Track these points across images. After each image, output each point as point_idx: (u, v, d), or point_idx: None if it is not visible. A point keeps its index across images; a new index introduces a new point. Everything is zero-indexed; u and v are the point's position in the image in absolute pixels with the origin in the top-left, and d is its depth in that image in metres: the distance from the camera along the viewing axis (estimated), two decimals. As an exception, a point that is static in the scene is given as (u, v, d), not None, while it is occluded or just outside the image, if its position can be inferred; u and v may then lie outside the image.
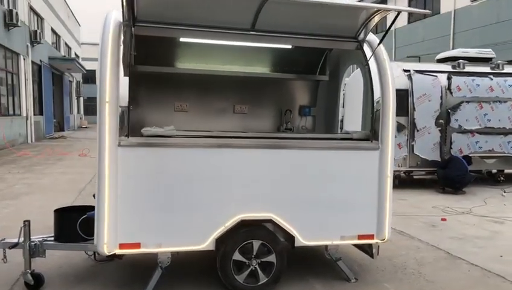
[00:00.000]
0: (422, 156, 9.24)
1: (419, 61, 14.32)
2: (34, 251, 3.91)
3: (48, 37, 27.27)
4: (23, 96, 20.49)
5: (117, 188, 3.49)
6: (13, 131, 18.39)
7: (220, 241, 3.74)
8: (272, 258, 3.88)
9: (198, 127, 5.04)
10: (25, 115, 20.55)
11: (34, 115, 21.80)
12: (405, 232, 5.92)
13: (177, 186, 3.64)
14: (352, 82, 5.60)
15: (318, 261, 4.56)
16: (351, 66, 5.27)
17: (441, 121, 9.29)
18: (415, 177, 10.43)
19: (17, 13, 18.25)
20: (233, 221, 3.74)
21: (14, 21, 17.96)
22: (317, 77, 5.28)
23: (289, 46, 4.63)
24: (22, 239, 3.90)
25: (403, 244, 5.39)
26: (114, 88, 3.43)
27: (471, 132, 9.43)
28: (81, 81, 42.38)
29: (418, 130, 9.15)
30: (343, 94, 5.40)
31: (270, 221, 3.84)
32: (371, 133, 4.06)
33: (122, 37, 3.57)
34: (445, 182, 9.07)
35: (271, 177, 3.84)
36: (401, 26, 26.99)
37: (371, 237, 4.08)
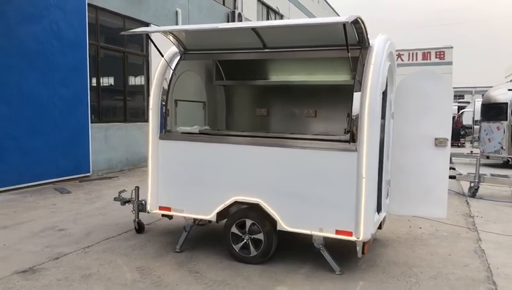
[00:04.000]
0: None
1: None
2: (140, 207, 5.94)
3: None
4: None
5: (158, 168, 5.12)
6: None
7: (219, 215, 4.86)
8: (260, 236, 4.69)
9: (275, 129, 6.14)
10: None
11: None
12: None
13: (194, 169, 4.98)
14: (402, 87, 5.32)
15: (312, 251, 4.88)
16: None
17: None
18: None
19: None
20: (230, 201, 4.78)
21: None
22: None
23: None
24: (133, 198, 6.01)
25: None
26: (156, 101, 5.08)
27: None
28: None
29: None
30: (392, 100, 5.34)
31: (258, 205, 4.67)
32: (350, 136, 4.28)
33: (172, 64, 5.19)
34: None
35: (260, 170, 4.66)
36: None
37: (349, 233, 4.29)
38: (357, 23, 4.14)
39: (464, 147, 22.37)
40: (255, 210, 4.73)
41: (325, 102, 5.91)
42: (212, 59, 5.62)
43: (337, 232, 4.35)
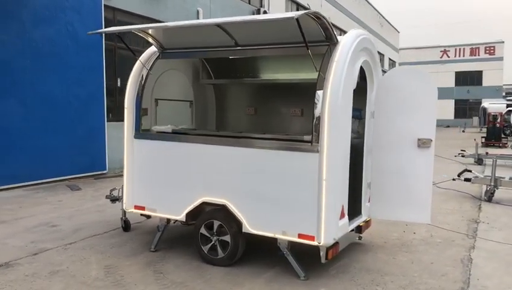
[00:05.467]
0: None
1: None
2: (127, 205, 6.00)
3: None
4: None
5: (133, 166, 5.15)
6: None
7: (189, 216, 4.80)
8: (227, 238, 4.60)
9: (263, 129, 6.02)
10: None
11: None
12: None
13: (165, 168, 4.95)
14: (384, 86, 5.00)
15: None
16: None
17: None
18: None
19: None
20: (198, 201, 4.72)
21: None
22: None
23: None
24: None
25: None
26: (131, 100, 5.10)
27: None
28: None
29: None
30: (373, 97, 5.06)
31: (225, 206, 4.57)
32: (312, 136, 4.10)
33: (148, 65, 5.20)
34: None
35: (226, 170, 4.57)
36: None
37: (312, 238, 4.12)
38: (313, 19, 3.97)
39: (505, 147, 21.11)
40: (222, 211, 4.64)
41: (311, 100, 5.71)
42: (187, 57, 5.56)
43: (300, 236, 4.19)
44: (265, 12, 17.76)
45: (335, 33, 4.25)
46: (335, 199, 4.12)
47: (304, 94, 5.70)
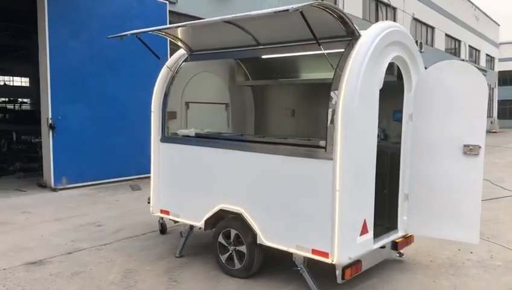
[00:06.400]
0: None
1: None
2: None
3: (440, 44, 28.33)
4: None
5: (159, 170, 5.11)
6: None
7: (208, 223, 4.63)
8: (243, 248, 4.35)
9: (302, 132, 5.68)
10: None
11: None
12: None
13: (188, 173, 4.84)
14: (423, 84, 4.31)
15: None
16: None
17: None
18: None
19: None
20: (216, 208, 4.53)
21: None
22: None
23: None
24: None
25: None
26: (157, 103, 5.07)
27: None
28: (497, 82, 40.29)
29: None
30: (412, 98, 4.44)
31: (240, 215, 4.32)
32: (326, 142, 3.69)
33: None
34: None
35: (242, 176, 4.32)
36: None
37: (326, 255, 3.71)
38: (326, 12, 3.58)
39: None
40: (238, 220, 4.40)
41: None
42: (215, 59, 5.38)
43: (314, 252, 3.80)
44: (339, 10, 17.10)
45: (356, 26, 3.79)
46: (352, 212, 3.66)
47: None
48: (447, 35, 29.66)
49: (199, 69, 5.46)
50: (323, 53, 3.75)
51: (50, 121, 9.13)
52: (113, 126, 10.07)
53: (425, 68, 4.42)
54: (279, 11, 3.38)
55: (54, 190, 9.12)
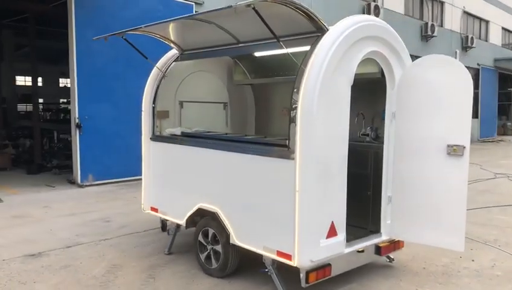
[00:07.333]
0: None
1: None
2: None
3: (497, 38, 26.67)
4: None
5: (149, 168, 5.20)
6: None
7: (189, 222, 4.65)
8: (219, 248, 4.32)
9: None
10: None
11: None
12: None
13: (173, 171, 4.89)
14: (405, 80, 4.00)
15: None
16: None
17: None
18: None
19: (432, 24, 19.78)
20: (196, 207, 4.53)
21: (430, 32, 19.61)
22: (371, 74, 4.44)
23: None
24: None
25: None
26: (147, 103, 5.16)
27: None
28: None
29: None
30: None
31: (215, 214, 4.30)
32: (289, 140, 3.58)
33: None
34: None
35: (217, 175, 4.30)
36: None
37: (289, 257, 3.60)
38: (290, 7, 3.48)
39: None
40: (215, 219, 4.38)
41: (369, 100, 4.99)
42: (204, 57, 5.36)
43: (278, 253, 3.70)
44: (376, 7, 16.59)
45: (323, 22, 3.66)
46: (313, 213, 3.53)
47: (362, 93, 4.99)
48: (504, 29, 27.86)
49: (194, 68, 5.49)
50: (287, 51, 3.64)
51: (77, 121, 9.56)
52: (137, 125, 10.32)
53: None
54: (224, 8, 3.34)
55: (81, 186, 9.54)
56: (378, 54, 3.97)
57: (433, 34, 19.81)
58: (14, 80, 20.30)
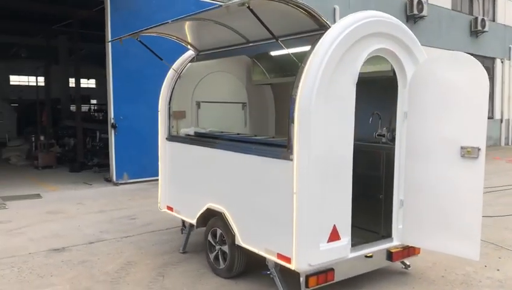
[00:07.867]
0: None
1: None
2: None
3: None
4: (497, 100, 20.63)
5: (166, 168, 5.28)
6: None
7: (200, 221, 4.67)
8: (225, 248, 4.31)
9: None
10: (498, 117, 20.64)
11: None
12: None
13: (186, 171, 4.93)
14: (418, 79, 3.74)
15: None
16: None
17: None
18: None
19: (483, 19, 18.78)
20: (205, 207, 4.55)
21: (480, 27, 18.64)
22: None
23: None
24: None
25: None
26: (164, 103, 5.24)
27: None
28: None
29: None
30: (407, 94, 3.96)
31: (222, 215, 4.29)
32: (289, 141, 3.50)
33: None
34: None
35: (224, 175, 4.29)
36: None
37: (288, 260, 3.53)
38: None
39: None
40: (222, 219, 4.37)
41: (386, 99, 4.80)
42: (219, 57, 5.34)
43: (279, 256, 3.64)
44: (419, 2, 15.94)
45: (323, 19, 3.56)
46: (312, 216, 3.43)
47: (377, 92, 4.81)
48: None
49: (212, 68, 5.51)
50: (288, 51, 3.58)
51: (112, 121, 9.90)
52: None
53: None
54: (217, 8, 3.32)
55: (116, 184, 9.87)
56: (386, 51, 3.80)
57: (484, 29, 18.80)
58: (68, 82, 21.33)
